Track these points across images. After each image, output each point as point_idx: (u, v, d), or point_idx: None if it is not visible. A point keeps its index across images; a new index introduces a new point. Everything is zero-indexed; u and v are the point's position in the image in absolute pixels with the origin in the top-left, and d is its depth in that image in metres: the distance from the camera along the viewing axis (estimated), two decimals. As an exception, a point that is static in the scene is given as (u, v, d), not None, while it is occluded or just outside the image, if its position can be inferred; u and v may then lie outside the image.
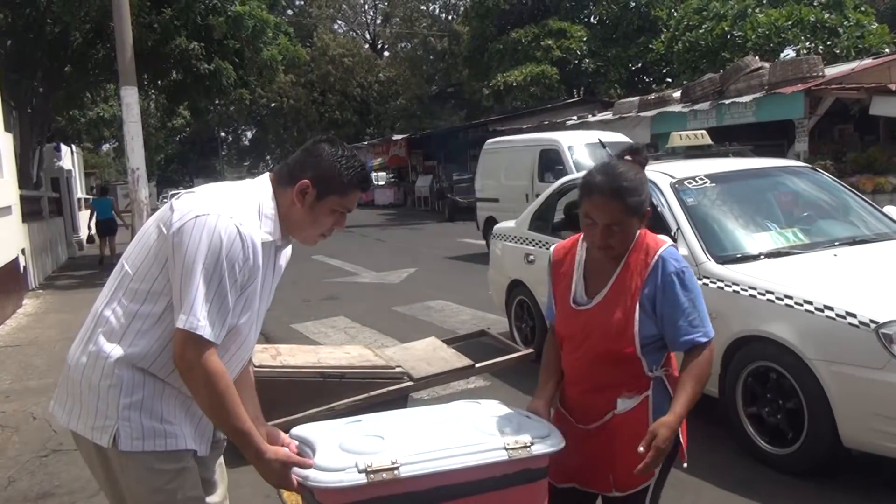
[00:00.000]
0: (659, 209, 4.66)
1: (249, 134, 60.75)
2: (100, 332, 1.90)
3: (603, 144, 8.39)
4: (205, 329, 1.77)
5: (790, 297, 3.72)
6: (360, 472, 1.88)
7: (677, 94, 17.25)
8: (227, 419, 1.86)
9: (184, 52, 14.68)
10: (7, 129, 10.65)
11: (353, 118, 52.14)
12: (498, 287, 6.60)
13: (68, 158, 24.54)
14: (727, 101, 14.37)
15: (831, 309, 3.53)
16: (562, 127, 21.10)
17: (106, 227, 16.00)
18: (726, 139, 15.99)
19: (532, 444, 2.03)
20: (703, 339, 2.16)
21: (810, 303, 3.62)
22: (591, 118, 19.98)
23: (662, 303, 2.15)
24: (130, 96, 12.45)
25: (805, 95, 12.94)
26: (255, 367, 4.06)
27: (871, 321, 3.37)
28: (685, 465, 2.33)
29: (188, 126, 53.74)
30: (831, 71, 14.64)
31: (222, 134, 58.28)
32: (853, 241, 4.48)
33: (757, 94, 13.87)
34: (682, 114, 15.57)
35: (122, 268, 1.96)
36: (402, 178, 36.78)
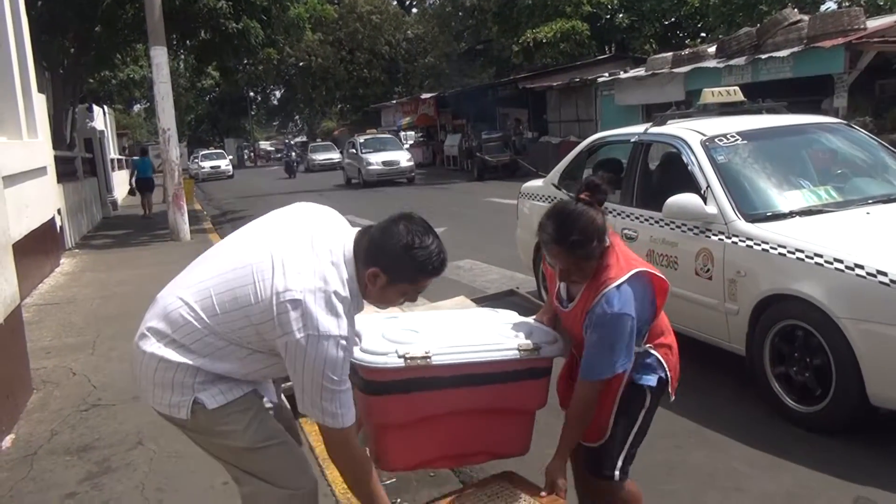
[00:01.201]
0: (689, 167, 4.64)
1: (278, 94, 60.79)
2: (171, 343, 2.09)
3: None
4: (341, 420, 2.06)
5: (820, 256, 3.70)
6: (398, 357, 2.32)
7: (712, 50, 16.83)
8: (367, 496, 2.19)
9: (212, 10, 14.64)
10: (40, 90, 10.75)
11: (381, 77, 51.74)
12: (525, 246, 6.56)
13: (100, 119, 24.75)
14: (764, 56, 13.98)
15: (861, 267, 3.51)
16: (592, 84, 20.76)
17: (145, 185, 18.36)
18: (762, 95, 15.64)
19: (539, 348, 2.48)
20: (592, 378, 2.36)
21: (840, 261, 3.59)
22: (623, 75, 19.61)
23: (589, 330, 2.37)
24: (160, 56, 12.49)
25: (845, 49, 12.54)
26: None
27: (892, 280, 3.36)
28: (672, 398, 2.63)
29: (217, 86, 53.79)
30: (873, 23, 14.14)
31: (251, 94, 58.25)
32: (888, 199, 4.41)
33: (795, 49, 13.48)
34: (717, 69, 15.20)
35: (205, 292, 2.09)
36: (430, 137, 36.54)
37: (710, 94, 5.61)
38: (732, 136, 4.72)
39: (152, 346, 2.09)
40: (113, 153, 27.64)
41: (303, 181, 30.46)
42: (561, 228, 2.35)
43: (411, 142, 37.37)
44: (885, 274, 3.42)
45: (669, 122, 5.35)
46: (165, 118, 12.65)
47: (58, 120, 15.20)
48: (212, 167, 39.01)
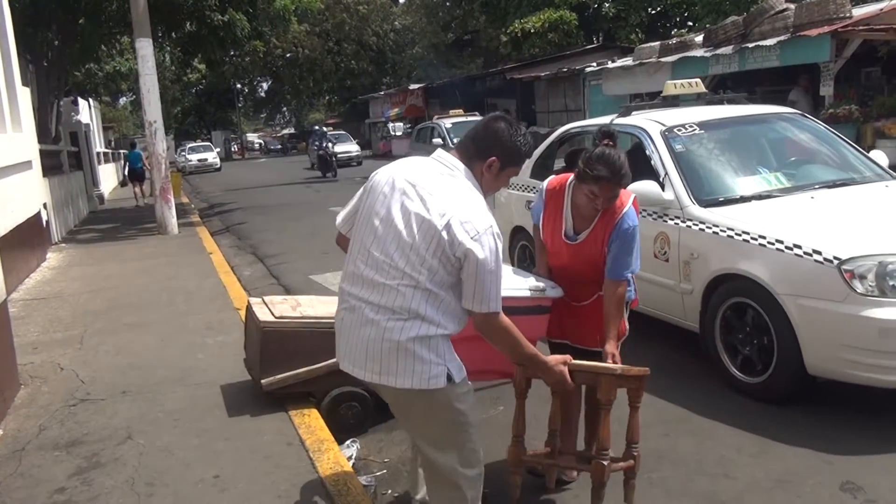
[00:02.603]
0: (650, 156, 4.91)
1: (265, 85, 60.33)
2: (417, 319, 2.33)
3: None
4: (498, 304, 2.39)
5: (763, 237, 3.99)
6: None
7: (699, 39, 16.82)
8: (520, 350, 2.53)
9: (197, 2, 14.52)
10: (24, 83, 10.63)
11: (369, 68, 51.59)
12: (502, 233, 6.61)
13: (86, 112, 24.57)
14: (750, 45, 13.98)
15: (799, 247, 3.81)
16: (580, 74, 20.78)
17: (136, 174, 20.38)
18: (750, 83, 15.69)
19: (545, 289, 3.18)
20: (626, 275, 3.10)
21: (781, 242, 3.89)
22: (610, 64, 19.61)
23: (613, 245, 3.07)
24: (145, 48, 12.39)
25: (831, 37, 12.55)
26: (276, 317, 4.12)
27: (835, 258, 3.64)
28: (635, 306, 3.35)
29: (204, 78, 53.45)
30: (859, 11, 14.17)
31: (238, 86, 57.85)
32: (833, 185, 4.72)
33: (781, 37, 13.49)
34: (704, 59, 15.20)
35: (393, 266, 2.35)
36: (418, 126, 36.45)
37: (673, 86, 5.88)
38: (691, 126, 4.99)
39: (402, 331, 2.31)
40: (99, 146, 27.43)
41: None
42: (615, 167, 2.96)
43: (400, 133, 37.26)
44: (819, 253, 3.71)
45: (634, 112, 5.63)
46: (151, 111, 12.55)
47: (42, 113, 15.04)
48: (199, 160, 38.76)
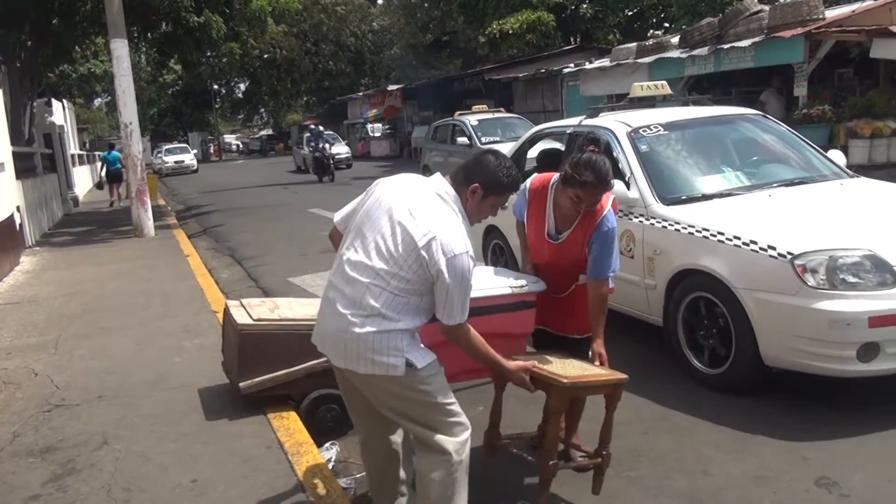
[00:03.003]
0: (616, 156, 5.04)
1: (242, 86, 59.89)
2: (378, 317, 2.57)
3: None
4: (464, 315, 2.64)
5: (723, 234, 4.16)
6: None
7: (675, 40, 16.95)
8: (483, 356, 2.77)
9: (173, 3, 14.39)
10: (-4, 84, 10.48)
11: (347, 69, 51.42)
12: (476, 232, 6.74)
13: (60, 114, 24.25)
14: (726, 46, 14.11)
15: (756, 243, 3.97)
16: (558, 75, 20.87)
17: (114, 176, 20.02)
18: (726, 84, 15.84)
19: (526, 286, 3.33)
20: (608, 274, 3.26)
21: (739, 238, 4.06)
22: (588, 66, 19.70)
23: (594, 245, 3.22)
24: (120, 49, 12.26)
25: (805, 39, 12.71)
26: (254, 320, 4.09)
27: (788, 252, 3.81)
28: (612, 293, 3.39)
29: (180, 79, 53.01)
30: (832, 13, 14.36)
31: (215, 87, 57.40)
32: (790, 183, 4.89)
33: (756, 39, 13.63)
34: (680, 59, 15.32)
35: (367, 265, 2.60)
36: (397, 129, 36.40)
37: (640, 88, 6.03)
38: (655, 127, 5.14)
39: (363, 327, 2.55)
40: (73, 148, 27.10)
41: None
42: (601, 174, 3.12)
43: (378, 134, 37.18)
44: (774, 248, 3.88)
45: (602, 114, 5.80)
46: (127, 112, 12.42)
47: (15, 115, 14.81)
48: (176, 161, 38.41)
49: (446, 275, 2.52)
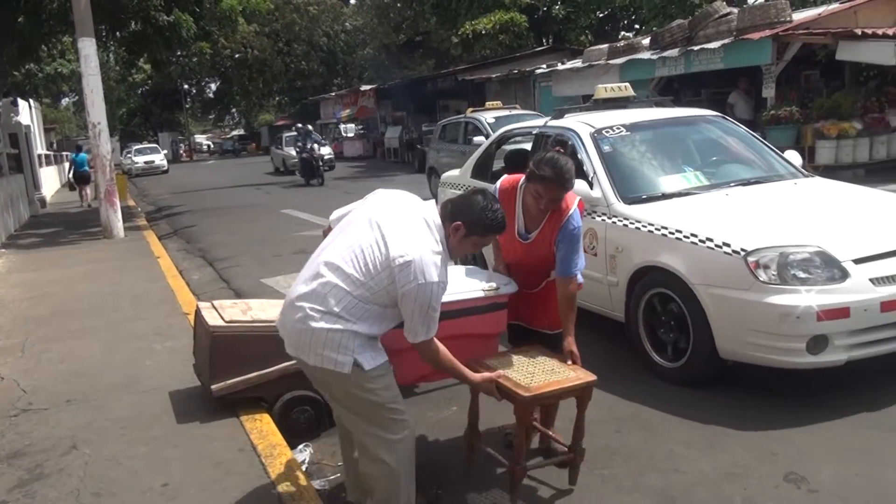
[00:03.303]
0: (579, 156, 5.15)
1: (213, 86, 59.30)
2: (333, 316, 2.68)
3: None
4: (431, 334, 2.77)
5: (680, 232, 4.29)
6: None
7: (647, 42, 17.12)
8: (450, 369, 2.90)
9: (141, 1, 14.21)
10: (-40, 83, 10.27)
11: (319, 69, 51.16)
12: None
13: (26, 113, 23.85)
14: (696, 48, 14.28)
15: (711, 240, 4.11)
16: (531, 76, 20.96)
17: (82, 178, 19.99)
18: (696, 86, 16.00)
19: (498, 288, 3.42)
20: (574, 272, 3.33)
21: (696, 235, 4.19)
22: (560, 66, 19.81)
23: (561, 244, 3.31)
24: (88, 48, 12.09)
25: (773, 41, 12.90)
26: (226, 322, 4.05)
27: (742, 249, 3.95)
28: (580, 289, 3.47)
29: (150, 79, 52.29)
30: (798, 16, 14.59)
31: (185, 86, 56.77)
32: (747, 183, 5.03)
33: (725, 41, 13.81)
34: (651, 61, 15.47)
35: (344, 270, 2.70)
36: (370, 129, 36.28)
37: (604, 90, 6.12)
38: (618, 128, 5.27)
39: (318, 322, 2.67)
40: (40, 149, 26.68)
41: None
42: (559, 170, 3.19)
43: (351, 134, 37.00)
44: (728, 245, 4.02)
45: (567, 115, 5.92)
46: (95, 112, 12.25)
47: (-21, 114, 14.56)
48: (145, 162, 37.96)
49: (412, 298, 2.64)
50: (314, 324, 2.68)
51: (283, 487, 3.30)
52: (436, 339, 2.81)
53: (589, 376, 3.16)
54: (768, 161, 5.47)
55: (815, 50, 13.56)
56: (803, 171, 5.37)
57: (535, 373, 3.15)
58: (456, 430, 4.01)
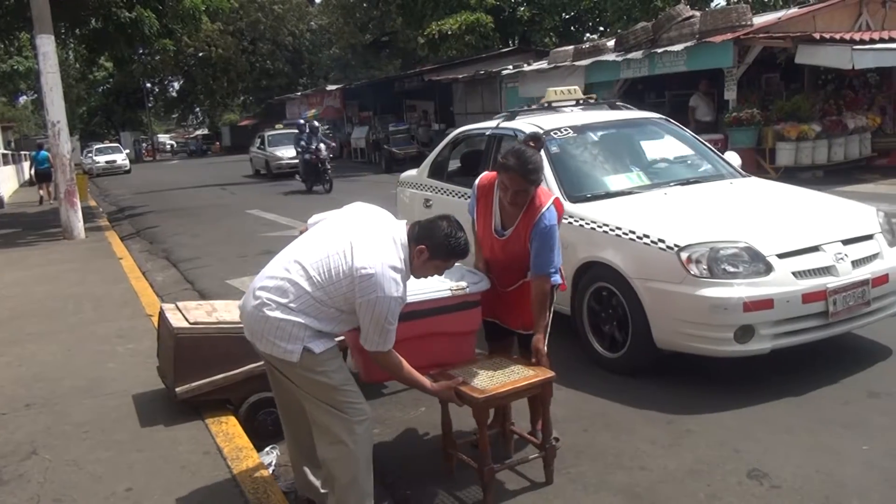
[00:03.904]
0: None
1: (177, 85, 58.51)
2: (287, 309, 2.79)
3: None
4: (387, 346, 2.87)
5: (620, 229, 4.48)
6: None
7: (611, 44, 17.31)
8: (408, 381, 3.04)
9: (103, -2, 13.97)
10: (-88, 80, 9.99)
11: (285, 68, 50.79)
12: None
13: (-18, 112, 23.28)
14: (659, 51, 14.48)
15: (648, 237, 4.32)
16: (497, 77, 21.04)
17: (43, 175, 20.19)
18: (660, 88, 16.16)
19: (467, 287, 3.42)
20: (549, 271, 3.35)
21: (634, 232, 4.40)
22: (526, 68, 19.93)
23: (534, 243, 3.32)
24: (47, 45, 11.85)
25: (734, 44, 13.14)
26: (190, 323, 4.00)
27: (675, 245, 4.17)
28: (564, 290, 3.68)
29: (111, 77, 51.48)
30: (759, 20, 14.88)
31: (148, 85, 55.92)
32: (686, 182, 5.27)
33: (688, 43, 14.02)
34: (616, 63, 15.64)
35: (308, 271, 2.81)
36: (336, 129, 36.10)
37: (554, 93, 6.28)
38: (565, 130, 5.43)
39: (273, 312, 2.79)
40: (-3, 148, 26.07)
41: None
42: (523, 161, 3.22)
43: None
44: (663, 241, 4.23)
45: (518, 117, 6.03)
46: (54, 111, 12.01)
47: (-66, 112, 14.18)
48: (107, 162, 37.32)
49: (369, 309, 2.75)
50: (269, 312, 2.79)
51: (250, 490, 3.27)
52: (394, 352, 2.90)
53: (546, 373, 3.25)
54: (708, 162, 5.70)
55: (775, 53, 13.84)
56: (741, 171, 5.62)
57: (495, 376, 3.24)
58: (424, 431, 4.02)
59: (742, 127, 12.79)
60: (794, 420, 3.80)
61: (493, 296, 3.53)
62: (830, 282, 4.13)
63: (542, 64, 19.45)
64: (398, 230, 2.93)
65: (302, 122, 20.63)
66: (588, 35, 30.33)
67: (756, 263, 4.10)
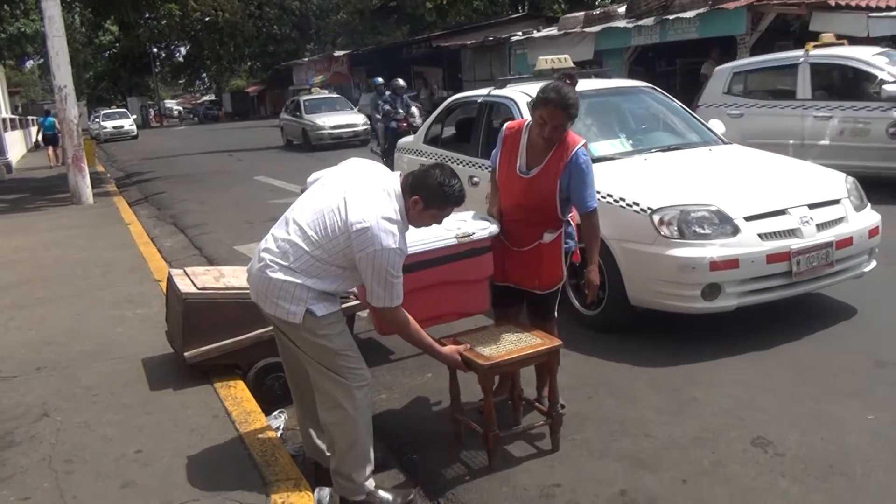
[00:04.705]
0: None
1: (183, 50, 58.10)
2: (289, 270, 2.81)
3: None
4: (394, 302, 2.85)
5: (599, 192, 4.41)
6: None
7: (622, 10, 17.07)
8: (416, 340, 3.01)
9: (108, -40, 13.84)
10: (-81, 43, 9.95)
11: (292, 33, 50.32)
12: None
13: (-11, 76, 23.21)
14: (671, 17, 14.28)
15: (624, 200, 4.53)
16: (506, 44, 20.82)
17: (50, 139, 21.00)
18: (671, 55, 15.95)
19: (474, 233, 3.41)
20: (591, 206, 3.44)
21: (611, 195, 4.58)
22: (535, 34, 19.69)
23: (572, 182, 3.38)
24: (52, 9, 11.77)
25: (748, 11, 12.95)
26: (198, 289, 4.02)
27: (648, 208, 4.39)
28: (577, 262, 3.70)
29: (117, 42, 51.09)
30: (773, -14, 14.64)
31: (154, 50, 55.52)
32: (667, 149, 5.44)
33: (701, 10, 13.82)
34: (627, 29, 15.44)
35: (306, 230, 2.81)
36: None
37: (545, 62, 6.34)
38: None
39: (276, 273, 2.81)
40: (4, 112, 26.01)
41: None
42: (563, 95, 3.27)
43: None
44: (637, 204, 4.45)
45: (508, 85, 6.23)
46: (61, 75, 11.96)
47: (-60, 76, 14.14)
48: (114, 127, 37.23)
49: (368, 263, 2.74)
50: (272, 274, 2.81)
51: (258, 453, 3.30)
52: (403, 310, 2.90)
53: (553, 342, 3.28)
54: (691, 129, 5.87)
55: (789, 20, 13.63)
56: (723, 139, 5.79)
57: (502, 343, 3.26)
58: (430, 397, 4.04)
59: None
60: (801, 389, 3.81)
61: (506, 258, 3.55)
62: (795, 243, 4.36)
63: (552, 30, 19.21)
64: (391, 182, 2.91)
65: (380, 81, 15.74)
66: (599, 1, 29.89)
67: (724, 225, 4.32)
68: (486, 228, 3.47)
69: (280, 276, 2.80)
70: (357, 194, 2.81)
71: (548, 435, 3.41)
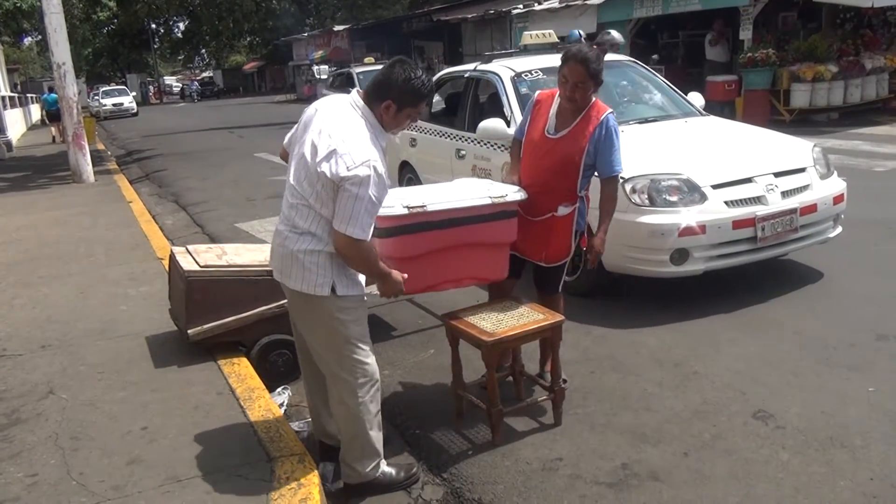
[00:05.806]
0: (501, 98, 5.69)
1: (182, 26, 57.61)
2: (307, 235, 2.72)
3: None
4: (364, 234, 2.64)
5: None
6: (403, 206, 3.15)
7: (624, -19, 16.86)
8: (375, 270, 2.81)
9: (104, -65, 13.67)
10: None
11: (291, 7, 49.83)
12: (391, 167, 7.13)
13: (-13, 53, 23.07)
14: (674, -12, 14.13)
15: None
16: (507, 17, 20.62)
17: (53, 115, 20.74)
18: (674, 28, 15.80)
19: (506, 195, 3.41)
20: (618, 170, 3.51)
21: None
22: (537, 6, 19.49)
23: (600, 145, 3.45)
24: (49, -16, 11.64)
25: (751, -19, 12.79)
26: (201, 266, 4.03)
27: (622, 177, 4.19)
28: (584, 248, 3.67)
29: (115, 18, 50.67)
30: (778, -44, 14.45)
31: (153, 26, 55.06)
32: (645, 121, 5.60)
33: (703, -19, 13.66)
34: (629, 2, 15.27)
35: (299, 185, 2.73)
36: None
37: (529, 37, 6.50)
38: (536, 72, 5.80)
39: (296, 244, 2.72)
40: (3, 90, 25.90)
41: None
42: (583, 52, 3.36)
43: (325, 76, 36.33)
44: None
45: (494, 60, 6.31)
46: (59, 52, 11.88)
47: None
48: (114, 104, 37.13)
49: (348, 186, 2.55)
50: (292, 245, 2.73)
51: (263, 430, 3.33)
52: (366, 244, 2.69)
53: (555, 317, 3.31)
54: (671, 102, 6.02)
55: (793, -9, 13.45)
56: (701, 111, 5.94)
57: (504, 319, 3.28)
58: (433, 373, 4.07)
59: (757, 68, 12.53)
60: (801, 363, 3.83)
61: (519, 226, 3.54)
62: (760, 210, 4.55)
63: (553, 3, 19.00)
64: (353, 97, 2.78)
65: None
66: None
67: (692, 194, 4.52)
68: (518, 191, 3.48)
69: (300, 245, 2.71)
70: (322, 128, 2.68)
71: (550, 409, 3.44)
